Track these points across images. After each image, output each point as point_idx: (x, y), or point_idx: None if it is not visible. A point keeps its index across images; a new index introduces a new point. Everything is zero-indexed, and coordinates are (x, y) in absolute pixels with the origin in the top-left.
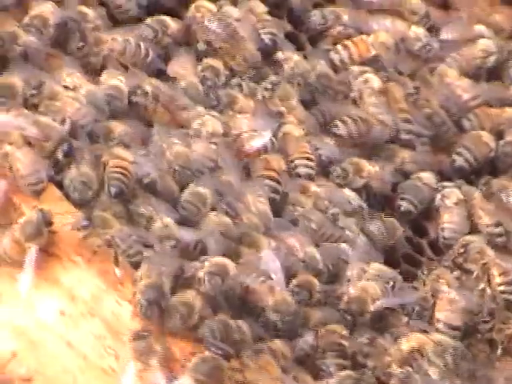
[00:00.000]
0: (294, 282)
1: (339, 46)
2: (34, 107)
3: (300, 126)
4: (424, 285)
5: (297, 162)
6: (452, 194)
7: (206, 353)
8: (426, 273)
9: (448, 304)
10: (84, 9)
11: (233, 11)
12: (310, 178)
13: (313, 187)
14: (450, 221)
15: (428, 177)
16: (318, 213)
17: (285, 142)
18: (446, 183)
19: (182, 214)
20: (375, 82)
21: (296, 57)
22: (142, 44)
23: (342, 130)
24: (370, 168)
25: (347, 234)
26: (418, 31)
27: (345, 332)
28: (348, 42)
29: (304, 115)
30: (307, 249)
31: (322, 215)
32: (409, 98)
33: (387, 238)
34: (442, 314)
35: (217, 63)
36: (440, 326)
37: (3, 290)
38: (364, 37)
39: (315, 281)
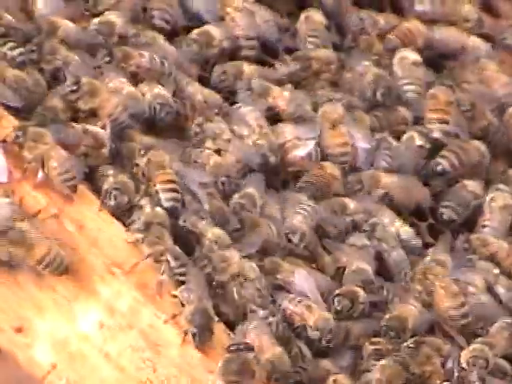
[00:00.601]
0: (337, 291)
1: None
2: (73, 102)
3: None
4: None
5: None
6: (500, 197)
7: (227, 355)
8: (409, 274)
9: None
10: (113, 18)
11: None
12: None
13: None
14: (489, 221)
15: (473, 184)
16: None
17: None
18: (500, 186)
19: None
20: (411, 55)
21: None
22: (165, 62)
23: (445, 165)
24: (386, 179)
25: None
26: (475, 40)
27: (389, 345)
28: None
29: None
30: (358, 264)
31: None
32: (466, 114)
33: None
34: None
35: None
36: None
37: (44, 302)
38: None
39: (361, 292)
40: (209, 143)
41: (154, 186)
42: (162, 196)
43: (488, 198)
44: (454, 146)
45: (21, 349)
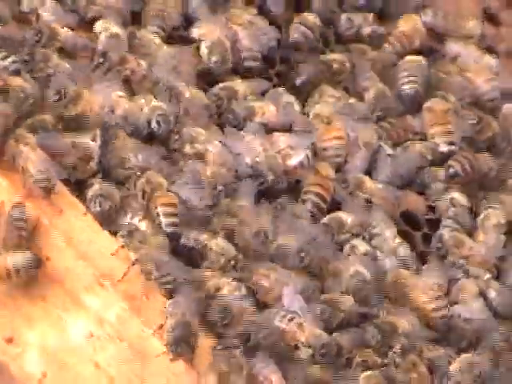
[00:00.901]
0: (321, 297)
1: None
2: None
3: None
4: None
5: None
6: (493, 215)
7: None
8: None
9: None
10: (117, 29)
11: None
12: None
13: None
14: (484, 242)
15: (461, 198)
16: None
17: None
18: (492, 204)
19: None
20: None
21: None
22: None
23: (457, 168)
24: (371, 184)
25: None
26: (485, 56)
27: (378, 360)
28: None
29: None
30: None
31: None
32: (475, 127)
33: None
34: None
35: (234, 84)
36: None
37: (34, 313)
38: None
39: (343, 300)
40: (187, 148)
41: (155, 208)
42: (164, 220)
43: (481, 216)
44: (467, 153)
45: (12, 359)
